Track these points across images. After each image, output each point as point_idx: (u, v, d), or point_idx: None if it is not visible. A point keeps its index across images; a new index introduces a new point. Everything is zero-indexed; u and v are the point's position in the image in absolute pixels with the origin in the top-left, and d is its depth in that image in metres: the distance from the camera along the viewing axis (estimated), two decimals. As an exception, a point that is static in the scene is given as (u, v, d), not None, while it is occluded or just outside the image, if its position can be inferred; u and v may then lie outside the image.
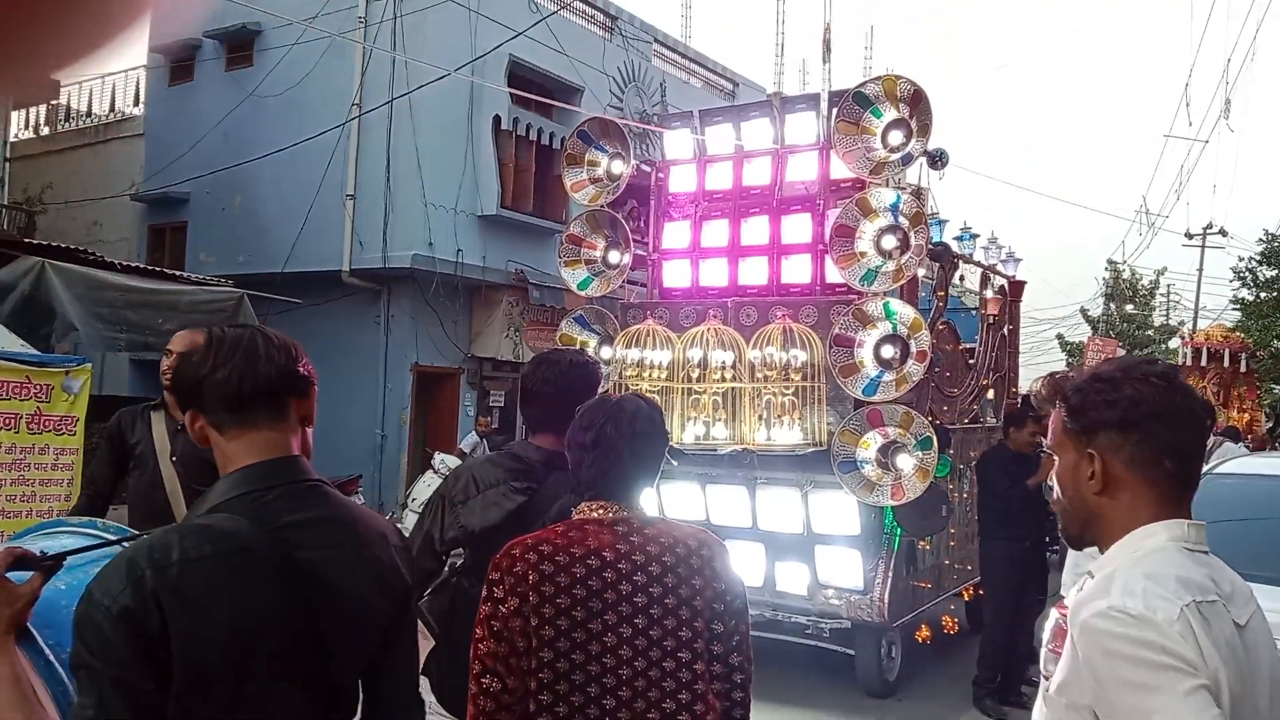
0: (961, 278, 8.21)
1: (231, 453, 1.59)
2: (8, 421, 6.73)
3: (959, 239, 8.68)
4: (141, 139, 16.11)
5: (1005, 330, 8.78)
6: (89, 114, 17.89)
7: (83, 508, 4.52)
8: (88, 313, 8.36)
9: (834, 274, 6.64)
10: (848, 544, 6.51)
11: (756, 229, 7.22)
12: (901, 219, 6.24)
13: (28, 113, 17.54)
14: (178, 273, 11.07)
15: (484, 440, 12.23)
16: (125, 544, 1.63)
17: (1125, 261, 31.16)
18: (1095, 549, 1.66)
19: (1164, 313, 33.14)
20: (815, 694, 6.55)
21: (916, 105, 6.28)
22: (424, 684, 2.64)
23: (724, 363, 6.62)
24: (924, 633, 6.99)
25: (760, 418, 6.52)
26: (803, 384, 6.44)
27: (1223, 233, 26.40)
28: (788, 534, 6.61)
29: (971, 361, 8.22)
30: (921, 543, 6.87)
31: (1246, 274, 18.77)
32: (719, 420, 6.61)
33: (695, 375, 6.70)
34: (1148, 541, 1.52)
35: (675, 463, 6.71)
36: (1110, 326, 30.88)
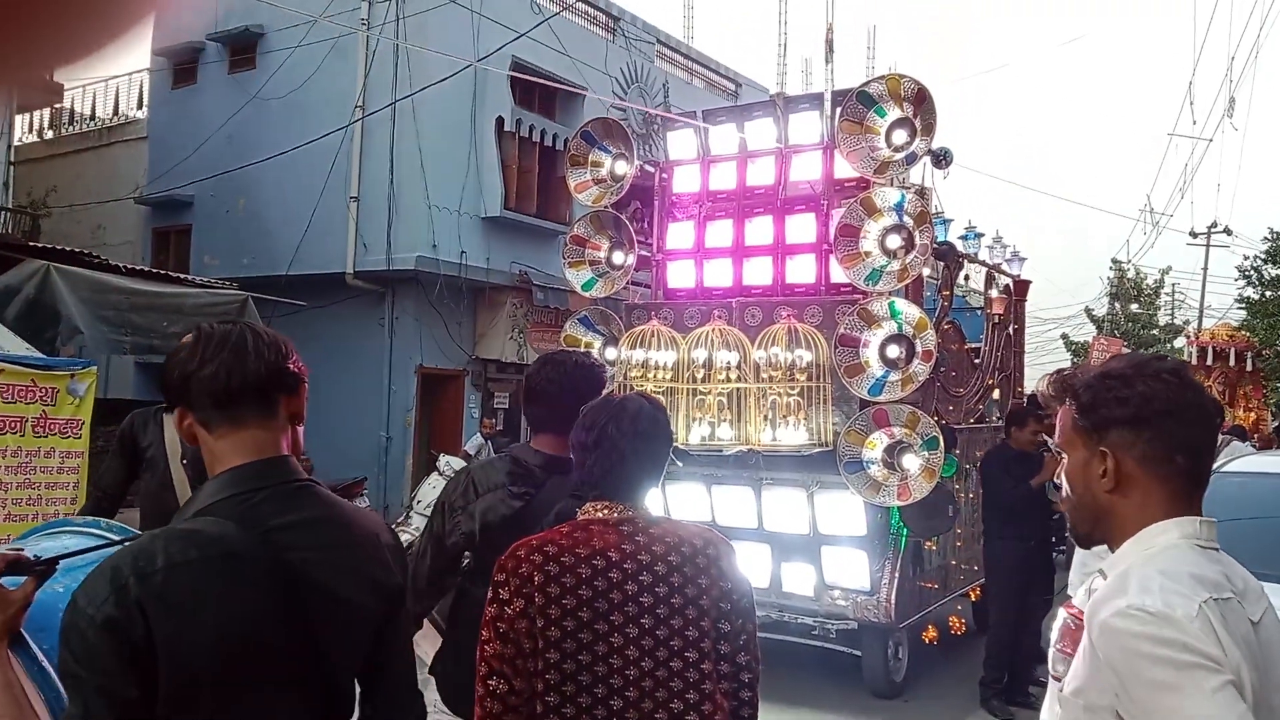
0: (966, 277, 8.21)
1: (219, 452, 1.57)
2: (13, 425, 6.73)
3: (964, 238, 8.67)
4: (145, 142, 16.15)
5: (1010, 330, 8.76)
6: (92, 117, 17.94)
7: (91, 509, 4.53)
8: (93, 316, 8.37)
9: (839, 274, 6.63)
10: (854, 545, 6.49)
11: (761, 229, 7.21)
12: (906, 218, 6.22)
13: (31, 116, 17.59)
14: (182, 276, 11.09)
15: (489, 442, 12.22)
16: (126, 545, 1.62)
17: (1130, 261, 31.10)
18: (1103, 548, 1.65)
19: (1169, 312, 33.07)
20: (822, 695, 6.53)
21: (920, 104, 6.26)
22: (431, 683, 2.64)
23: (729, 363, 6.61)
24: (931, 633, 6.97)
25: (765, 418, 6.51)
26: (808, 384, 6.42)
27: (1227, 231, 26.36)
28: (794, 535, 6.60)
29: (977, 361, 8.20)
30: (928, 543, 6.86)
31: (1252, 272, 18.72)
32: (724, 421, 6.60)
33: (700, 376, 6.69)
34: (1160, 539, 1.50)
35: (681, 463, 6.71)
36: (1115, 326, 30.81)
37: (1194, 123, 23.27)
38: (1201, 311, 26.85)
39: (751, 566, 6.50)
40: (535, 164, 14.33)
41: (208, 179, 13.86)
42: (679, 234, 7.59)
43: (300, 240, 13.20)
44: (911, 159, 6.36)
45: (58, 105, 16.67)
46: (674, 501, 6.92)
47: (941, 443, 6.02)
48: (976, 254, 8.62)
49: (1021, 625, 6.49)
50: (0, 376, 6.62)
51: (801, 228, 7.07)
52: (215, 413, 1.56)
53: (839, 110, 6.54)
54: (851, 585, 6.49)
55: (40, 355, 7.26)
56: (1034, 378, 9.43)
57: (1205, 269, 27.10)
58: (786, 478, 6.57)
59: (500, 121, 13.62)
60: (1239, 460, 5.36)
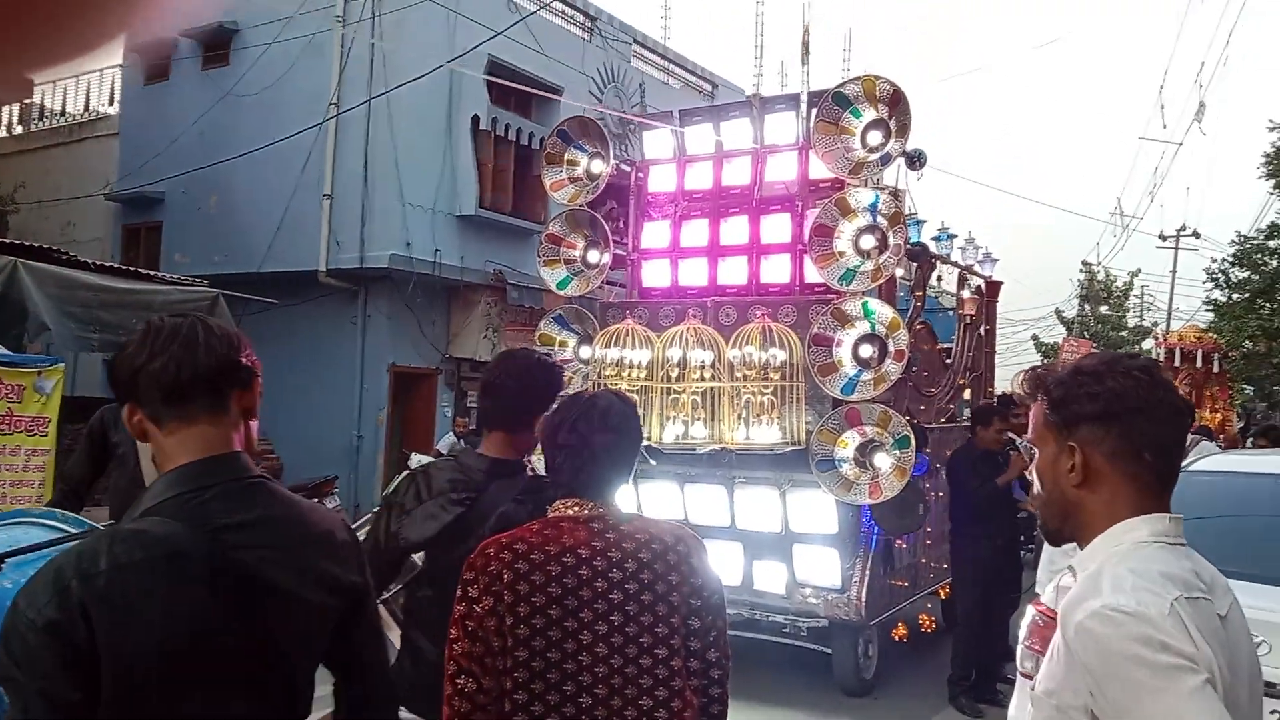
0: (939, 278, 8.27)
1: (169, 449, 1.54)
2: (-22, 422, 6.65)
3: (936, 239, 8.74)
4: (116, 138, 15.98)
5: (982, 330, 8.84)
6: (63, 113, 17.74)
7: (57, 502, 4.49)
8: (60, 312, 8.27)
9: (813, 274, 6.66)
10: (825, 543, 6.52)
11: (736, 229, 7.23)
12: (880, 219, 6.27)
13: (0, 111, 17.37)
14: (152, 273, 10.98)
15: (461, 441, 12.19)
16: (80, 538, 1.60)
17: (1100, 263, 31.43)
18: (1071, 546, 1.66)
19: (1138, 314, 33.41)
20: (792, 692, 6.56)
21: (895, 106, 6.31)
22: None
23: (703, 362, 6.62)
24: (901, 631, 7.01)
25: (739, 417, 6.53)
26: (781, 383, 6.45)
27: (1196, 235, 26.66)
28: (766, 533, 6.62)
29: (948, 361, 8.26)
30: (898, 541, 6.90)
31: (1219, 275, 18.92)
32: (698, 419, 6.62)
33: (674, 375, 6.70)
34: (1129, 536, 1.51)
35: (654, 462, 6.72)
36: (1085, 327, 31.11)
37: (1164, 127, 23.55)
38: (1170, 313, 27.15)
39: (724, 565, 6.51)
40: (511, 162, 14.29)
41: (179, 176, 13.73)
42: (654, 233, 7.60)
43: (273, 238, 13.10)
44: (886, 160, 6.40)
45: (28, 100, 16.48)
46: (647, 500, 6.92)
47: (913, 441, 6.06)
48: (949, 255, 8.69)
49: (989, 623, 6.54)
50: (-34, 373, 6.54)
51: (776, 228, 7.10)
52: (164, 408, 1.53)
53: (814, 111, 6.58)
54: (822, 583, 6.52)
55: (6, 352, 7.18)
56: (1005, 378, 9.52)
57: (1174, 272, 27.41)
58: (759, 476, 6.60)
59: (476, 120, 13.57)
60: (1205, 459, 5.42)
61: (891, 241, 6.23)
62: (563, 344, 7.48)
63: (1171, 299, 27.44)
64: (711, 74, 19.08)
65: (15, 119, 18.15)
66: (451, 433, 12.71)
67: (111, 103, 16.79)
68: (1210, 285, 19.33)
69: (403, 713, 2.56)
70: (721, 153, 7.38)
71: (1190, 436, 7.98)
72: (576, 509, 2.06)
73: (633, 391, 6.67)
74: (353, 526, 2.03)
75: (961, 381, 8.31)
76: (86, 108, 17.46)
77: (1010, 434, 6.92)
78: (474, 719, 1.94)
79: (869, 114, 6.41)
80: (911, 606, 7.33)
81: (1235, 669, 1.42)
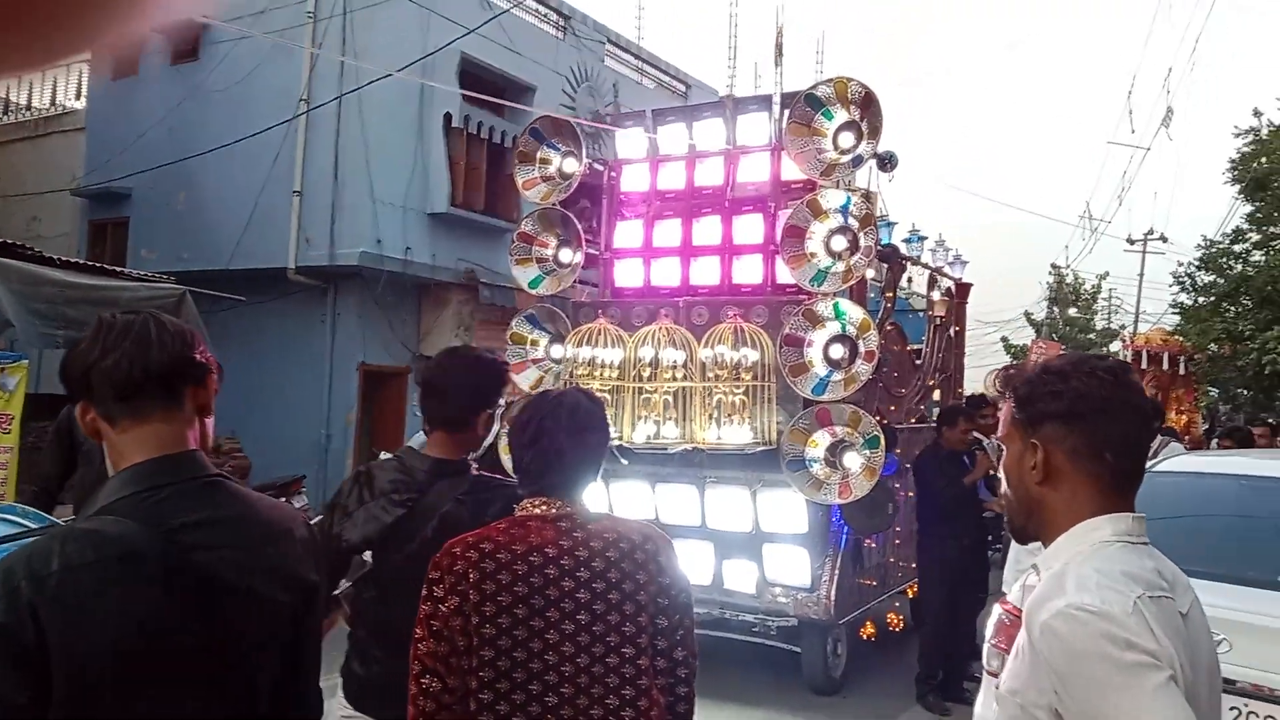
0: (909, 280, 8.32)
1: (123, 447, 1.52)
2: (-61, 419, 6.55)
3: (907, 241, 8.78)
4: (83, 133, 15.75)
5: (952, 331, 8.91)
6: (28, 107, 17.47)
7: (29, 501, 4.44)
8: (24, 308, 8.15)
9: (785, 274, 6.68)
10: (795, 542, 6.55)
11: (708, 229, 7.24)
12: (851, 220, 6.29)
13: (-37, 104, 17.11)
14: (119, 269, 10.84)
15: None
16: (39, 533, 1.58)
17: (1069, 266, 31.78)
18: (1037, 545, 1.68)
19: (1106, 316, 33.79)
20: (762, 691, 6.58)
21: (867, 108, 6.34)
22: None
23: (675, 362, 6.63)
24: (869, 630, 7.06)
25: (711, 417, 6.54)
26: (753, 383, 6.47)
27: (1163, 239, 27.00)
28: (736, 532, 6.64)
29: (918, 362, 8.32)
30: (868, 540, 6.94)
31: (1185, 279, 19.16)
32: (669, 419, 6.62)
33: (646, 374, 6.70)
34: (1093, 535, 1.53)
35: (625, 461, 6.72)
36: (1054, 329, 31.43)
37: (1133, 131, 23.79)
38: (1137, 316, 27.47)
39: (694, 564, 6.52)
40: (483, 161, 14.22)
41: (147, 171, 13.55)
42: (627, 233, 7.60)
43: (241, 234, 12.97)
44: (857, 162, 6.44)
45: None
46: (618, 499, 6.92)
47: (883, 442, 6.10)
48: (919, 257, 8.74)
49: (955, 622, 6.60)
50: (-74, 369, 6.44)
51: (749, 228, 7.12)
52: (118, 405, 1.51)
53: (787, 112, 6.60)
54: (792, 582, 6.55)
55: (-31, 348, 7.07)
56: (974, 379, 9.59)
57: (1141, 275, 27.74)
58: (730, 476, 6.61)
59: (448, 117, 13.50)
60: (1169, 460, 5.49)
61: (862, 243, 6.26)
62: (535, 343, 7.46)
63: (1139, 302, 27.80)
64: (685, 74, 19.09)
65: (-21, 112, 17.89)
66: (422, 432, 12.61)
67: (78, 97, 16.56)
68: (1177, 289, 19.58)
69: (352, 712, 2.53)
70: (694, 153, 7.39)
71: (1159, 438, 8.09)
72: (544, 508, 2.05)
73: (604, 391, 6.67)
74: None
75: (931, 382, 8.37)
76: (53, 102, 17.22)
77: (976, 434, 6.99)
78: (439, 719, 1.93)
79: (841, 116, 6.44)
80: (880, 605, 7.38)
81: (1196, 666, 1.43)
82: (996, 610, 2.75)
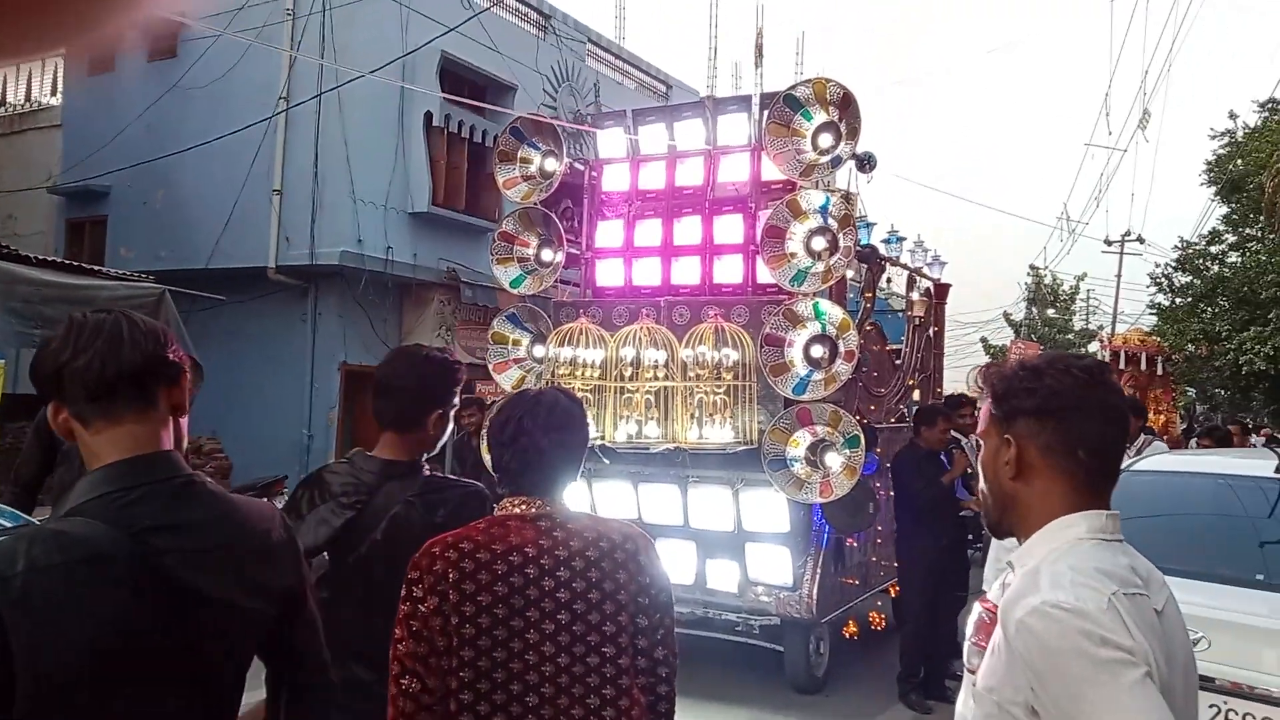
0: (889, 280, 8.35)
1: (96, 448, 1.51)
2: (-87, 420, 6.48)
3: (886, 242, 8.82)
4: (59, 130, 15.60)
5: (931, 332, 8.94)
6: (3, 103, 17.29)
7: (9, 501, 4.41)
8: (1, 308, 8.08)
9: (765, 274, 6.70)
10: (777, 541, 6.57)
11: (689, 229, 7.25)
12: (830, 221, 6.32)
13: (-63, 100, 16.93)
14: (97, 268, 10.75)
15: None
16: (7, 533, 1.57)
17: (1047, 267, 32.01)
18: (1014, 541, 1.69)
19: (1084, 317, 34.06)
20: (744, 690, 6.59)
21: (846, 109, 6.36)
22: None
23: (656, 362, 6.63)
24: (851, 629, 7.08)
25: (692, 416, 6.55)
26: (734, 383, 6.48)
27: (1140, 240, 27.18)
28: (719, 532, 6.65)
29: (898, 362, 8.35)
30: (849, 539, 6.96)
31: (1162, 280, 19.30)
32: (651, 419, 6.62)
33: (628, 374, 6.70)
34: (1068, 532, 1.53)
35: (608, 461, 6.72)
36: (1032, 330, 31.64)
37: (1109, 133, 24.07)
38: (1115, 317, 27.69)
39: (677, 563, 6.53)
40: (464, 160, 14.18)
41: (125, 169, 13.44)
42: (608, 232, 7.60)
43: (221, 233, 12.89)
44: (836, 162, 6.46)
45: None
46: (601, 499, 6.92)
47: (863, 441, 6.12)
48: (898, 257, 8.78)
49: (936, 621, 6.62)
50: (-101, 369, 6.37)
51: (729, 228, 7.13)
52: (90, 406, 1.50)
53: (766, 113, 6.62)
54: (774, 581, 6.57)
55: (-57, 348, 7.00)
56: (953, 379, 9.63)
57: (1119, 276, 27.94)
58: (712, 475, 6.62)
59: (429, 116, 13.46)
60: (1146, 459, 5.52)
61: (842, 243, 6.28)
62: (516, 343, 7.45)
63: (1116, 303, 28.00)
64: (666, 75, 19.10)
65: (-47, 109, 17.69)
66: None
67: (54, 93, 16.41)
68: (1154, 289, 19.71)
69: None
70: (675, 153, 7.40)
71: (1142, 437, 8.16)
72: (523, 507, 2.04)
73: (586, 391, 6.67)
74: None
75: (911, 382, 8.40)
76: (28, 97, 17.04)
77: (955, 433, 7.02)
78: (419, 719, 1.92)
79: (820, 116, 6.46)
80: (862, 604, 7.40)
81: (1172, 662, 1.44)
82: (977, 608, 2.76)
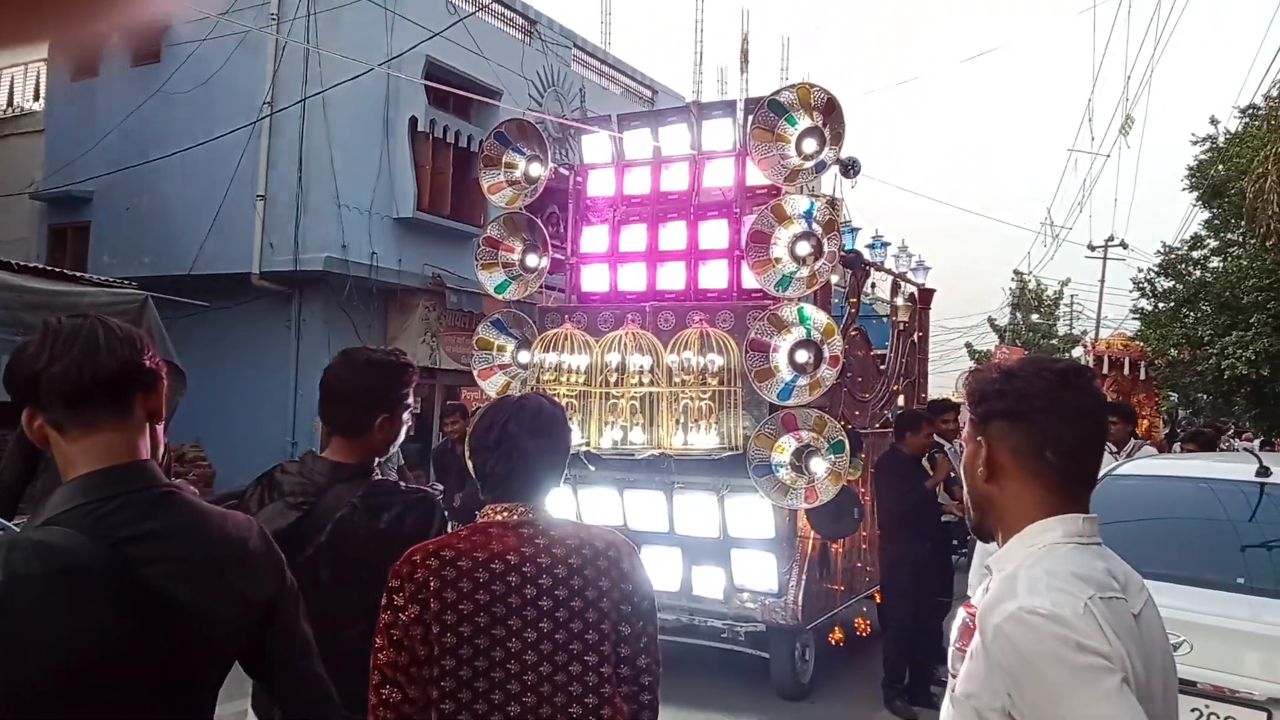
0: (873, 285, 8.36)
1: (72, 456, 1.49)
2: (-109, 427, 6.41)
3: (870, 247, 8.86)
4: (41, 135, 15.50)
5: (915, 337, 8.96)
6: (-15, 108, 17.19)
7: None
8: (-19, 314, 8.02)
9: (750, 279, 6.70)
10: (763, 547, 6.56)
11: (674, 234, 7.25)
12: (815, 226, 6.33)
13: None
14: (79, 274, 10.69)
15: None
16: None
17: (1031, 272, 32.15)
18: (994, 545, 1.69)
19: (1068, 322, 34.21)
20: (730, 697, 6.58)
21: (830, 114, 6.37)
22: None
23: (642, 367, 6.62)
24: (837, 635, 7.07)
25: (677, 422, 6.54)
26: (719, 388, 6.48)
27: (1123, 245, 27.31)
28: (704, 538, 6.64)
29: (883, 367, 8.36)
30: (834, 545, 6.96)
31: (1145, 285, 19.38)
32: (636, 425, 6.61)
33: (613, 380, 6.69)
34: (1044, 536, 1.53)
35: (593, 467, 6.70)
36: (1016, 335, 31.77)
37: (1092, 139, 24.13)
38: (1099, 322, 27.83)
39: (662, 570, 6.52)
40: (449, 165, 14.16)
41: (108, 175, 13.37)
42: (593, 237, 7.59)
43: (204, 239, 12.83)
44: (821, 167, 6.47)
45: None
46: (586, 505, 6.90)
47: (848, 446, 6.12)
48: (883, 262, 8.81)
49: (920, 627, 6.62)
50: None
51: (714, 233, 7.13)
52: (66, 413, 1.48)
53: (751, 118, 6.62)
54: (760, 588, 6.56)
55: (-78, 354, 6.93)
56: (938, 384, 9.65)
57: (1102, 281, 28.10)
58: (697, 481, 6.62)
59: (414, 122, 13.44)
60: (1128, 464, 5.54)
61: (826, 248, 6.29)
62: (501, 348, 7.44)
63: (1100, 308, 28.15)
64: (651, 80, 19.13)
65: (-66, 114, 17.54)
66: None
67: (37, 98, 16.30)
68: (1137, 294, 19.79)
69: (248, 708, 2.49)
70: (660, 158, 7.40)
71: (1132, 441, 8.19)
72: (506, 514, 2.03)
73: (571, 396, 6.66)
74: None
75: (895, 387, 8.41)
76: (10, 103, 16.94)
77: (941, 439, 7.02)
78: (399, 729, 1.90)
79: (804, 121, 6.47)
80: (848, 611, 7.40)
81: (1150, 666, 1.44)
82: (960, 614, 2.76)
